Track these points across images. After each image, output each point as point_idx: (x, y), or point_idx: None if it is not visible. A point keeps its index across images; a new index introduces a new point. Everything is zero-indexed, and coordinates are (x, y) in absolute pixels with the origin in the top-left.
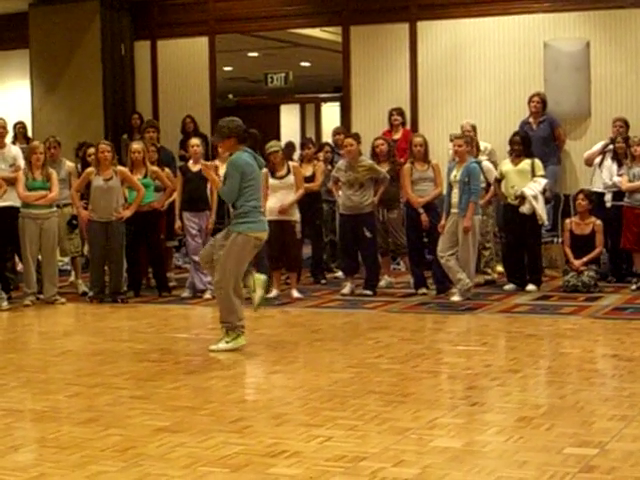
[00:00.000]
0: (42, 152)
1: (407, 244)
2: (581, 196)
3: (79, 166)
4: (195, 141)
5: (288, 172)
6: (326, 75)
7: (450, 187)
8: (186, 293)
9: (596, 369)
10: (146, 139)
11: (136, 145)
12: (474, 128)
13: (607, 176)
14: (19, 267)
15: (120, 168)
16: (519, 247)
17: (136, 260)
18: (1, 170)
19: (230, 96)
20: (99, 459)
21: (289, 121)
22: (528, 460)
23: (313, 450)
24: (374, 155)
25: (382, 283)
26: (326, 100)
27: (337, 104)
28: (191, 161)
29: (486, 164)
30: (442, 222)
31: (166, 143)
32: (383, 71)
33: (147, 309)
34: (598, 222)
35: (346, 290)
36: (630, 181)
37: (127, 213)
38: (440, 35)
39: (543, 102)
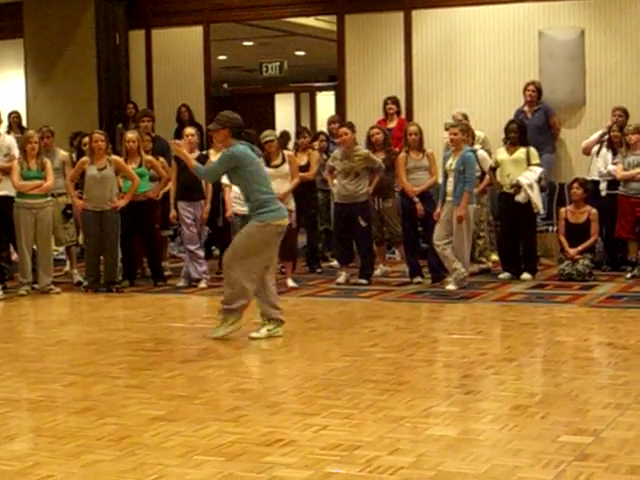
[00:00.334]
0: (37, 141)
1: (402, 233)
2: (576, 185)
3: (74, 155)
4: (190, 130)
5: (283, 161)
6: (321, 64)
7: (446, 175)
8: (181, 282)
9: (591, 357)
10: (141, 128)
11: (131, 134)
12: (465, 117)
13: (602, 165)
14: (14, 257)
15: (114, 157)
16: (514, 236)
17: (131, 249)
18: None
19: (225, 85)
20: (95, 448)
21: (284, 110)
22: (523, 448)
23: (308, 439)
24: (369, 144)
25: (377, 272)
26: (321, 89)
27: (332, 93)
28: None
29: (481, 153)
30: (437, 210)
31: (161, 132)
32: (378, 60)
33: (142, 298)
34: (593, 211)
35: (341, 279)
36: (625, 170)
37: (121, 203)
38: (435, 24)
39: (538, 91)
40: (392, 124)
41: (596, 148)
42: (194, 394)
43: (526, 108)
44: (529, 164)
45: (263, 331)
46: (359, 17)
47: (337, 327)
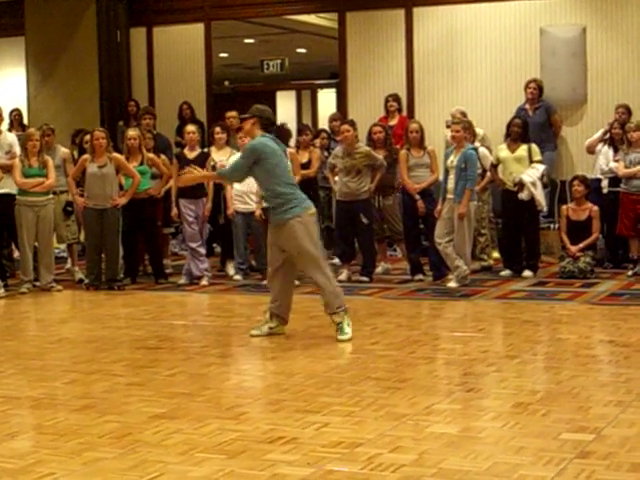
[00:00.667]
0: (38, 139)
1: (403, 230)
2: (577, 182)
3: (76, 153)
4: (191, 128)
5: None
6: (322, 61)
7: (446, 172)
8: (183, 280)
9: (592, 355)
10: (142, 126)
11: (132, 132)
12: (464, 115)
13: (603, 162)
14: (15, 254)
15: (115, 155)
16: (516, 233)
17: (133, 247)
18: None
19: (226, 83)
20: (96, 446)
21: (285, 108)
22: (524, 446)
23: (310, 436)
24: (371, 141)
25: (379, 269)
26: (322, 87)
27: (333, 90)
28: (187, 148)
29: (482, 150)
30: (438, 207)
31: (162, 130)
32: (379, 57)
33: (144, 296)
34: (595, 208)
35: (343, 277)
36: (626, 167)
37: (122, 200)
38: (436, 21)
39: (539, 88)
40: (393, 121)
41: (600, 146)
42: (195, 392)
43: (527, 105)
44: (531, 161)
45: (265, 328)
46: (360, 14)
47: None
